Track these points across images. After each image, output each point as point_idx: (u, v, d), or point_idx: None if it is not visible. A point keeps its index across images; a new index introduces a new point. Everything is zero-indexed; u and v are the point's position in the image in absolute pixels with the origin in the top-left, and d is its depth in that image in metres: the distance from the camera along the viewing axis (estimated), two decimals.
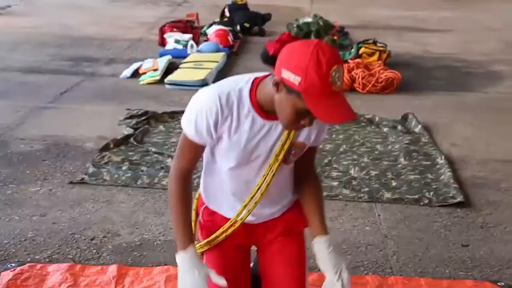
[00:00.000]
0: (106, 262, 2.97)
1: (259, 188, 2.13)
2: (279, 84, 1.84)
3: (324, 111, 1.81)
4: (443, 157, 4.39)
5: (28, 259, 2.96)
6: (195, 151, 2.07)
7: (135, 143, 4.49)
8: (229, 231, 2.21)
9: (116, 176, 3.92)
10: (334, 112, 1.82)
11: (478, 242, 3.34)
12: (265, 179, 2.13)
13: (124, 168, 4.03)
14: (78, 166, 4.06)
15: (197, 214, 2.36)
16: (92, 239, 3.19)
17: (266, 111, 1.98)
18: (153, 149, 4.40)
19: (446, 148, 4.65)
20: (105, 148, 4.33)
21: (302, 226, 2.26)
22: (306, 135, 2.10)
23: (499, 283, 2.91)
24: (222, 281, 2.03)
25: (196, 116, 1.98)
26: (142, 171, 4.01)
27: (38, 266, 2.87)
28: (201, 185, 2.29)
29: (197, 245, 2.33)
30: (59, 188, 3.75)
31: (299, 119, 1.89)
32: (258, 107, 1.98)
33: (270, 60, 1.90)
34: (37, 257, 2.99)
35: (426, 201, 3.78)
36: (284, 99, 1.85)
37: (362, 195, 3.83)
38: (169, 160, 4.17)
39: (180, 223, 2.08)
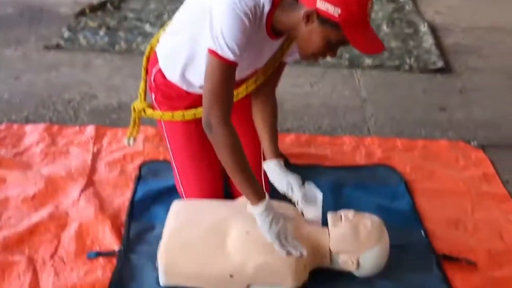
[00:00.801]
0: (83, 123, 2.97)
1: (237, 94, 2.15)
2: (311, 16, 1.79)
3: (362, 42, 1.79)
4: (426, 24, 4.35)
5: (4, 119, 2.95)
6: (234, 77, 1.89)
7: (112, 8, 4.38)
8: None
9: (93, 41, 3.85)
10: (371, 44, 1.82)
11: (456, 106, 3.38)
12: (246, 87, 2.16)
13: (101, 33, 3.95)
14: (53, 31, 3.97)
15: (146, 72, 2.35)
16: (69, 102, 3.16)
17: (275, 32, 1.93)
18: (131, 15, 4.31)
19: (430, 16, 4.60)
20: (81, 13, 4.23)
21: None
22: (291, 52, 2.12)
23: (473, 143, 2.97)
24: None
25: (233, 29, 1.79)
26: (119, 36, 3.93)
27: (15, 126, 2.86)
28: (163, 47, 2.23)
29: (155, 112, 2.35)
30: (34, 52, 3.69)
31: (326, 51, 1.86)
32: (270, 28, 1.91)
33: None
34: (13, 117, 2.97)
35: (407, 68, 3.78)
36: (315, 30, 1.81)
37: (343, 61, 3.80)
38: (147, 25, 4.10)
39: (250, 174, 1.91)
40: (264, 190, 1.94)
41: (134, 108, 2.42)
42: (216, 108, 1.84)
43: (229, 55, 1.80)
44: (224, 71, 1.83)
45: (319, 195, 2.13)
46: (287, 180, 2.14)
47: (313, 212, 2.10)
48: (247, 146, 2.11)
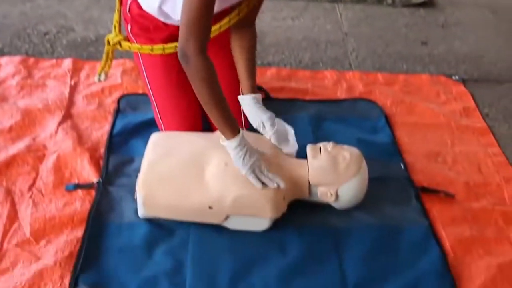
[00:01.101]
0: (60, 56, 2.90)
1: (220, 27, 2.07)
2: None
3: None
4: None
5: None
6: (213, 10, 1.80)
7: None
8: None
9: None
10: None
11: (438, 40, 3.34)
12: (229, 20, 2.06)
13: None
14: None
15: (121, 3, 2.27)
16: (45, 34, 3.08)
17: None
18: None
19: None
20: None
21: None
22: None
23: (454, 77, 2.96)
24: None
25: None
26: None
27: None
28: None
29: (134, 45, 2.27)
30: None
31: None
32: None
33: None
34: None
35: (389, 1, 3.72)
36: None
37: None
38: None
39: (225, 108, 1.85)
40: (238, 125, 1.90)
41: (108, 41, 2.33)
42: (192, 39, 1.76)
43: None
44: (203, 0, 1.75)
45: (290, 131, 2.11)
46: (260, 118, 2.11)
47: (288, 149, 2.09)
48: (225, 80, 2.08)
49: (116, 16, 2.30)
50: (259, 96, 2.16)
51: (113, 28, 2.31)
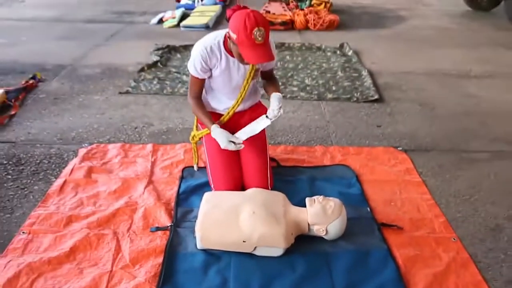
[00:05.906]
0: (145, 142, 2.97)
1: (241, 95, 2.21)
2: (229, 38, 1.95)
3: (249, 56, 1.90)
4: (366, 70, 4.33)
5: (95, 141, 2.95)
6: (199, 84, 2.19)
7: (161, 66, 4.38)
8: (225, 118, 2.25)
9: (149, 87, 3.84)
10: (256, 57, 1.90)
11: (387, 124, 3.35)
12: (244, 89, 2.20)
13: (154, 82, 3.94)
14: (124, 82, 3.95)
15: (198, 123, 2.42)
16: (135, 128, 3.16)
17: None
18: (174, 70, 4.30)
19: (368, 65, 4.58)
20: (141, 70, 4.21)
21: (264, 112, 2.29)
22: (261, 66, 2.20)
23: (399, 148, 2.96)
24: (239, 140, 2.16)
25: (194, 61, 2.09)
26: (166, 83, 3.93)
27: (101, 145, 2.86)
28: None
29: (198, 132, 2.38)
30: (112, 96, 3.67)
31: (242, 58, 1.96)
32: (229, 51, 2.07)
33: (228, 20, 1.97)
34: (100, 140, 2.97)
35: (355, 99, 3.76)
36: (232, 46, 1.97)
37: (313, 96, 3.79)
38: (184, 76, 4.10)
39: (205, 114, 2.21)
40: (213, 122, 2.15)
41: (193, 138, 2.43)
42: (189, 94, 2.24)
43: (192, 72, 2.13)
44: (191, 78, 2.16)
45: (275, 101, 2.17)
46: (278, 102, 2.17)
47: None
48: (254, 163, 2.24)
49: (195, 121, 2.45)
50: (279, 95, 2.19)
51: (194, 127, 2.45)
